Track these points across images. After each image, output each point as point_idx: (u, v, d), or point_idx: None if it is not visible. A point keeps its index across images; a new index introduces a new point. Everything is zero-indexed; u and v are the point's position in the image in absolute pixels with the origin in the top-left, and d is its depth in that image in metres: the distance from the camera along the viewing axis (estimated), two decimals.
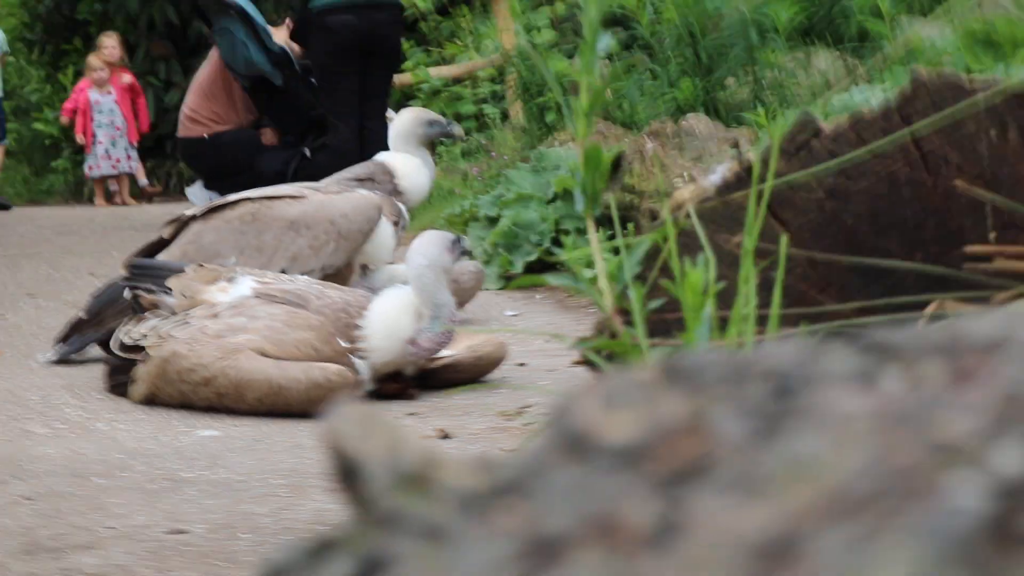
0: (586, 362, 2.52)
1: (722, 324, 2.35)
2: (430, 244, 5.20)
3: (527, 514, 0.63)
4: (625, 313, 2.41)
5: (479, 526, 0.64)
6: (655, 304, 2.34)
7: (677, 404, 0.64)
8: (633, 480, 0.61)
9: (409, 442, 0.74)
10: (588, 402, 0.67)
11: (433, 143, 7.20)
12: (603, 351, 2.32)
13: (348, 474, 0.74)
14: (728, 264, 2.64)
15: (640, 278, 2.41)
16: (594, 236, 2.40)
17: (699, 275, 2.17)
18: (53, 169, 20.55)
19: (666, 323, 2.64)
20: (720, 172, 2.74)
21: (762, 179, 2.59)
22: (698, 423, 0.63)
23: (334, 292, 5.27)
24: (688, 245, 2.65)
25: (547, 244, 7.88)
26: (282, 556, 0.73)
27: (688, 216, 2.59)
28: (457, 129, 7.08)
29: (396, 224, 6.56)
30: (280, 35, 11.72)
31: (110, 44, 17.54)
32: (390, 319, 5.16)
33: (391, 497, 0.70)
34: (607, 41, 2.28)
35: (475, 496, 0.67)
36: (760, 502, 0.56)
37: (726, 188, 2.70)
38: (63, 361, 5.95)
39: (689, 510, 0.59)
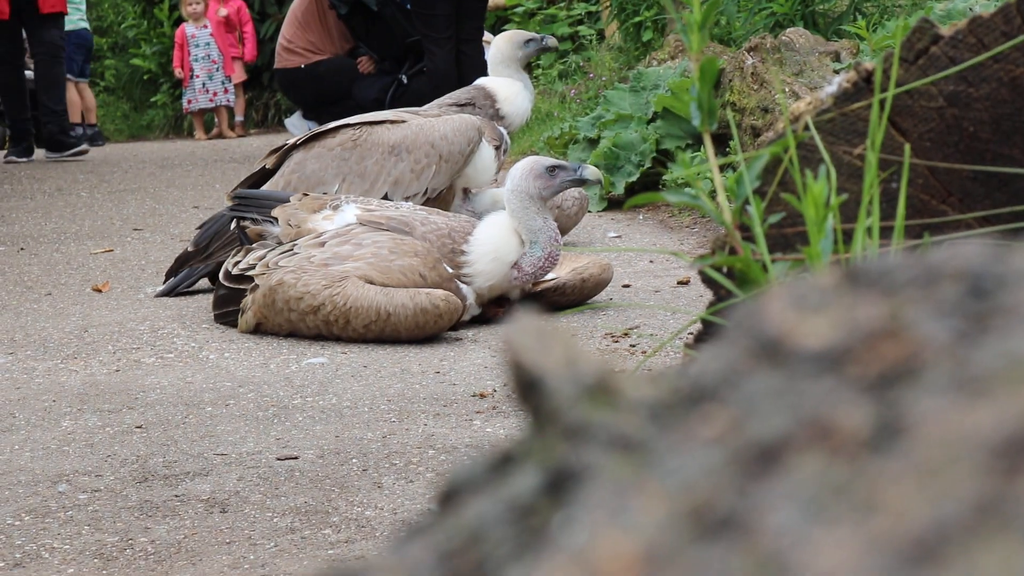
0: (707, 280, 2.48)
1: (845, 237, 2.30)
2: (517, 171, 5.17)
3: (731, 421, 0.60)
4: (744, 228, 2.36)
5: (678, 435, 0.61)
6: (775, 218, 2.29)
7: (872, 307, 0.61)
8: (839, 384, 0.58)
9: (586, 354, 0.72)
10: (778, 307, 0.64)
11: (530, 65, 7.15)
12: (723, 267, 2.28)
13: (528, 387, 0.71)
14: (848, 176, 2.58)
15: (757, 193, 2.36)
16: (711, 151, 2.35)
17: (821, 187, 2.12)
18: (152, 104, 20.69)
19: (786, 238, 2.59)
20: (837, 82, 2.68)
21: (880, 88, 2.53)
22: (897, 325, 0.59)
23: (438, 218, 5.25)
24: (806, 158, 2.60)
25: (648, 164, 7.80)
26: (463, 470, 0.71)
27: (806, 128, 2.54)
28: (551, 41, 7.07)
29: (498, 148, 6.51)
30: None
31: None
32: (494, 244, 5.14)
33: (576, 409, 0.67)
34: None
35: (665, 405, 0.64)
36: (985, 401, 0.53)
37: (844, 98, 2.64)
38: (171, 293, 5.99)
39: (908, 412, 0.55)
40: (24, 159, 12.73)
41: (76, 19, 15.94)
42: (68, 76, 16.58)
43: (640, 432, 0.63)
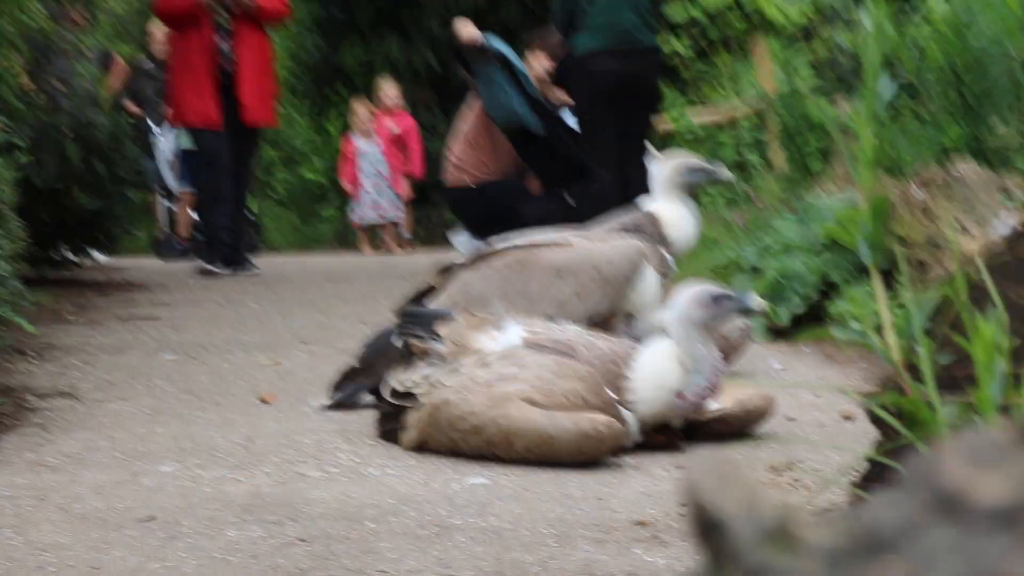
0: (874, 418, 2.47)
1: (1015, 381, 2.28)
2: (683, 298, 5.17)
3: (910, 574, 0.62)
4: (912, 368, 2.35)
5: None
6: (945, 359, 2.28)
7: None
8: (1016, 542, 0.60)
9: (766, 497, 0.74)
10: (954, 461, 0.66)
11: (694, 191, 7.12)
12: (891, 406, 2.27)
13: (709, 528, 0.73)
14: (1019, 318, 2.56)
15: (926, 332, 2.35)
16: (880, 287, 2.35)
17: (991, 330, 2.11)
18: (321, 216, 21.07)
19: (954, 379, 2.57)
20: (1010, 225, 2.67)
21: None
22: None
23: (602, 342, 5.27)
24: (976, 298, 2.59)
25: (814, 296, 7.77)
26: None
27: (976, 268, 2.52)
28: (725, 173, 6.92)
29: (662, 273, 6.53)
30: (536, 62, 11.76)
31: (389, 89, 17.97)
32: (657, 370, 5.14)
33: (757, 552, 0.69)
34: (889, 86, 2.22)
35: (843, 553, 0.66)
36: None
37: (1016, 239, 2.63)
38: (336, 407, 6.06)
39: None
40: (224, 270, 12.72)
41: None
42: (187, 189, 16.63)
43: None
